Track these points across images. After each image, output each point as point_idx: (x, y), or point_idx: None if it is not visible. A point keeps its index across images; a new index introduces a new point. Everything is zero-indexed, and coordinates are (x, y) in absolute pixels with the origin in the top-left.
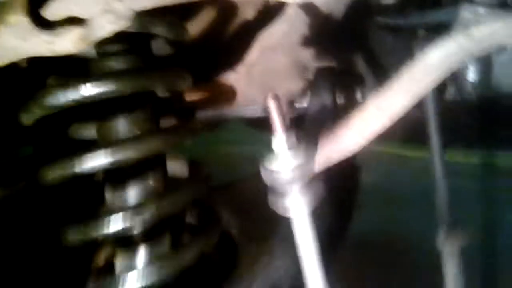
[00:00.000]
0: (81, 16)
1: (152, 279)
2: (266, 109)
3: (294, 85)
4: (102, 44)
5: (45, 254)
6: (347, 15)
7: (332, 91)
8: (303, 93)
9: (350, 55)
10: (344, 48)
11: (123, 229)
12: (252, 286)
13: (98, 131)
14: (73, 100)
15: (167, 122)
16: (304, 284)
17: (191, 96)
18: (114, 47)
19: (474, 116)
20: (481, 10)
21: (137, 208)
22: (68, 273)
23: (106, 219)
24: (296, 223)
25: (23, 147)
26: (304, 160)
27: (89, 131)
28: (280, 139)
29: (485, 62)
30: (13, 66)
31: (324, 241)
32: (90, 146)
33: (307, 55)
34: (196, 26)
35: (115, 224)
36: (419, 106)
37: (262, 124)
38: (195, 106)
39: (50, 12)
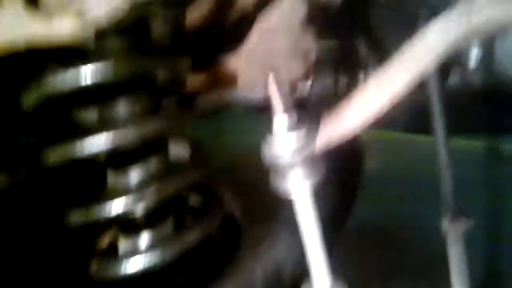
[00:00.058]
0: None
1: (154, 261)
2: (267, 92)
3: (296, 68)
4: (100, 31)
5: (48, 240)
6: None
7: (334, 74)
8: (305, 76)
9: (352, 38)
10: (346, 30)
11: (125, 211)
12: (255, 268)
13: (99, 115)
14: (73, 84)
15: (168, 107)
16: (307, 266)
17: (192, 81)
18: (112, 34)
19: (478, 102)
20: None
21: (139, 190)
22: (71, 257)
23: (108, 201)
24: (298, 205)
25: (26, 136)
26: (306, 141)
27: (91, 117)
28: (281, 120)
29: (489, 48)
30: (13, 54)
31: (327, 222)
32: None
33: (309, 38)
34: (196, 10)
35: (117, 206)
36: (423, 92)
37: (264, 109)
38: (196, 91)
39: None
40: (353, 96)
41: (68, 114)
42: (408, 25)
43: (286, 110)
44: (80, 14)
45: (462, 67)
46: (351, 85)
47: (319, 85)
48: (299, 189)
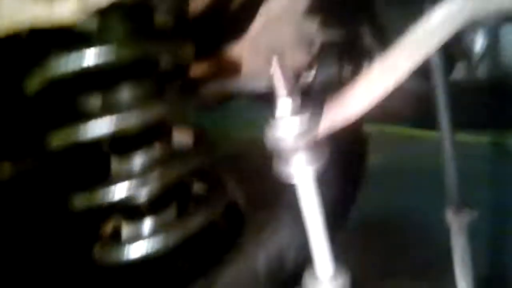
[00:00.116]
0: None
1: (157, 246)
2: (271, 81)
3: (300, 57)
4: (102, 16)
5: (53, 227)
6: None
7: (338, 63)
8: (309, 65)
9: (356, 26)
10: (351, 19)
11: (128, 196)
12: (258, 254)
13: (102, 100)
14: (77, 68)
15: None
16: (310, 252)
17: (196, 69)
18: (114, 17)
19: (484, 95)
20: None
21: (143, 175)
22: (77, 243)
23: (111, 186)
24: (301, 190)
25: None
26: (309, 125)
27: (94, 101)
28: (284, 104)
29: (496, 40)
30: (15, 37)
31: (330, 208)
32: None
33: (313, 26)
34: None
35: (120, 191)
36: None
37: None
38: (200, 79)
39: None
40: (357, 80)
41: (71, 98)
42: (413, 12)
43: (290, 94)
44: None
45: (467, 59)
46: (356, 73)
47: (323, 74)
48: (302, 174)
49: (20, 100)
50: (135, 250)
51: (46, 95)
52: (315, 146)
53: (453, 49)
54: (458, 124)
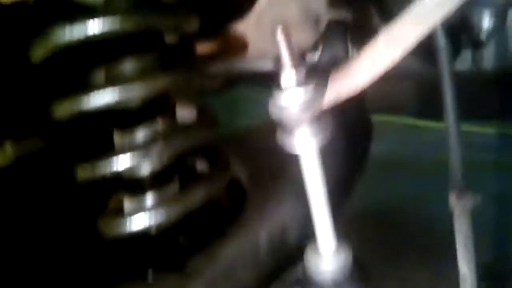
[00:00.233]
0: None
1: (159, 220)
2: (277, 60)
3: (305, 37)
4: None
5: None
6: None
7: (344, 44)
8: (314, 46)
9: (364, 5)
10: None
11: (131, 169)
12: (260, 229)
13: (106, 71)
14: (81, 37)
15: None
16: (312, 228)
17: (202, 49)
18: None
19: (490, 86)
20: None
21: (145, 148)
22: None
23: (114, 157)
24: (304, 162)
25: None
26: (313, 96)
27: (98, 72)
28: (288, 74)
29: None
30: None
31: (333, 182)
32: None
33: (319, 6)
34: None
35: (123, 162)
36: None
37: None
38: (206, 58)
39: None
40: (362, 51)
41: (76, 70)
42: None
43: (295, 64)
44: None
45: (473, 43)
46: None
47: (329, 53)
48: (305, 146)
49: (23, 71)
50: (137, 223)
51: (49, 66)
52: (320, 118)
53: (460, 35)
54: (463, 114)
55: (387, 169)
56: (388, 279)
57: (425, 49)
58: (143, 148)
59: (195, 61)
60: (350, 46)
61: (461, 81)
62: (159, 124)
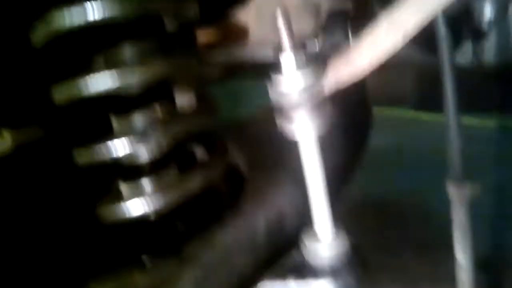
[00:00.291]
0: None
1: (157, 205)
2: (277, 48)
3: (306, 25)
4: None
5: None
6: None
7: (344, 33)
8: (314, 34)
9: None
10: None
11: (129, 154)
12: (258, 215)
13: (105, 57)
14: (80, 22)
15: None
16: (310, 215)
17: (202, 37)
18: None
19: (491, 79)
20: None
21: (143, 134)
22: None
23: (112, 142)
24: (303, 147)
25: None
26: (313, 80)
27: (98, 57)
28: (288, 58)
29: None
30: None
31: (331, 167)
32: None
33: None
34: None
35: (122, 147)
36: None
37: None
38: (206, 47)
39: None
40: (362, 37)
41: (75, 55)
42: None
43: (295, 48)
44: None
45: (474, 34)
46: None
47: (330, 42)
48: (304, 130)
49: (21, 58)
50: (135, 208)
51: (48, 52)
52: (319, 104)
53: (461, 26)
54: (464, 107)
55: (385, 160)
56: (387, 268)
57: (426, 40)
58: (141, 134)
59: (195, 48)
60: (350, 35)
61: (462, 74)
62: (158, 110)
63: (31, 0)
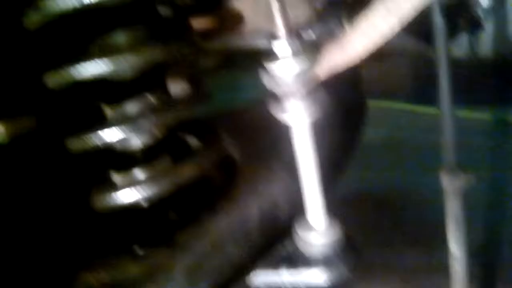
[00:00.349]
0: None
1: (149, 193)
2: (272, 36)
3: (301, 13)
4: None
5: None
6: None
7: (340, 22)
8: (309, 22)
9: None
10: None
11: (122, 141)
12: (251, 204)
13: (98, 43)
14: (74, 5)
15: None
16: (303, 204)
17: (197, 25)
18: None
19: (486, 72)
20: None
21: (136, 121)
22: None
23: (105, 129)
24: (296, 134)
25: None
26: (308, 66)
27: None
28: (283, 43)
29: (499, 19)
30: None
31: (325, 158)
32: None
33: None
34: None
35: (114, 134)
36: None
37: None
38: (201, 35)
39: None
40: (356, 22)
41: (68, 41)
42: None
43: (289, 34)
44: None
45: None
46: None
47: (325, 32)
48: (298, 117)
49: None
50: (127, 196)
51: (41, 39)
52: (314, 90)
53: (458, 17)
54: (459, 100)
55: (380, 153)
56: (381, 257)
57: (422, 31)
58: (134, 121)
59: (189, 35)
60: (345, 23)
61: (458, 67)
62: (151, 98)
63: None
